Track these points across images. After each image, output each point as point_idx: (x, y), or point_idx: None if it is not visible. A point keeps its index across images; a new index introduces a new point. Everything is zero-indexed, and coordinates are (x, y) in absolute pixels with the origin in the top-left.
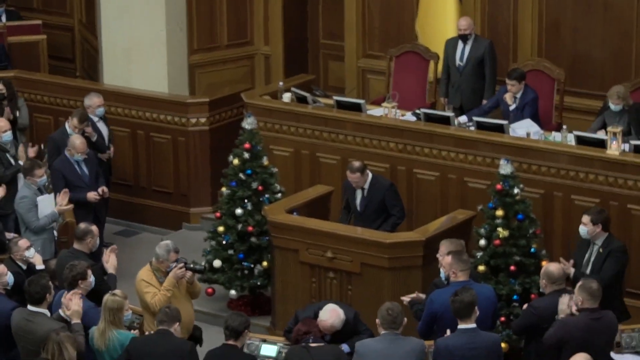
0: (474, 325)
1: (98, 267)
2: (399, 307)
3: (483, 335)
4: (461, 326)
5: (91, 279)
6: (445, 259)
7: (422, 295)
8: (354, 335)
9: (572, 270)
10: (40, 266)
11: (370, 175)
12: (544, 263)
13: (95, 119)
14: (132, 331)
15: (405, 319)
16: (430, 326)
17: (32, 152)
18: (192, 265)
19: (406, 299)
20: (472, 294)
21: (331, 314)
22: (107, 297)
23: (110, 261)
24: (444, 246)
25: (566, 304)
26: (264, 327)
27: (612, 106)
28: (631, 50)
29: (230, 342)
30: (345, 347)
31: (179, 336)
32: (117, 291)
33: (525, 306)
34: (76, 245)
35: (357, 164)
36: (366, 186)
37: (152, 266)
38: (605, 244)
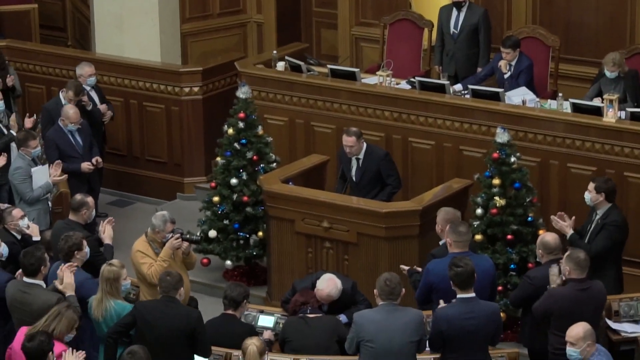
0: (473, 294)
1: (94, 239)
2: (397, 278)
3: (482, 305)
4: (460, 295)
5: (86, 249)
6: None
7: (419, 269)
8: (351, 305)
9: (569, 232)
10: (36, 237)
11: (365, 144)
12: (541, 232)
13: (87, 88)
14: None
15: (404, 290)
16: (427, 295)
17: (29, 122)
18: (188, 236)
19: (405, 267)
20: (470, 265)
21: (328, 283)
22: (104, 267)
23: (106, 232)
24: (439, 215)
25: (556, 275)
26: (260, 298)
27: (608, 73)
28: (626, 16)
29: (229, 311)
30: (343, 318)
31: (183, 301)
32: (114, 261)
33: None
34: (71, 217)
35: (353, 128)
36: (361, 156)
37: (147, 237)
38: (605, 215)
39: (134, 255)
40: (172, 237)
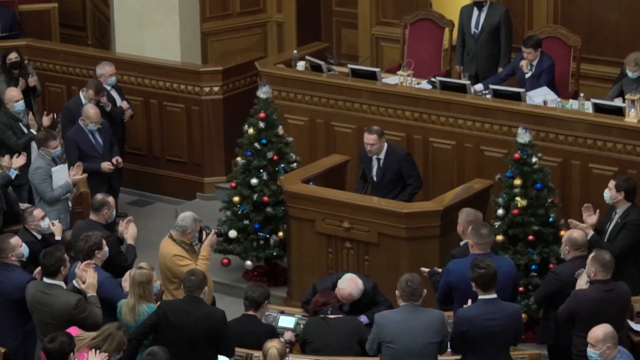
0: (494, 295)
1: (114, 238)
2: (419, 279)
3: (504, 306)
4: (482, 296)
5: (106, 248)
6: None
7: (439, 270)
8: (372, 306)
9: (590, 233)
10: (58, 237)
11: (386, 144)
12: (562, 232)
13: (108, 87)
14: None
15: (425, 290)
16: (447, 295)
17: (46, 120)
18: (217, 231)
19: (425, 269)
20: (492, 266)
21: (349, 283)
22: (134, 271)
23: (130, 232)
24: (461, 216)
25: (584, 280)
26: (280, 298)
27: (630, 73)
28: None
29: (250, 312)
30: (364, 318)
31: (207, 300)
32: (143, 264)
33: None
34: (92, 216)
35: (376, 127)
36: (382, 156)
37: (175, 239)
38: (625, 214)
39: (170, 260)
40: (207, 234)
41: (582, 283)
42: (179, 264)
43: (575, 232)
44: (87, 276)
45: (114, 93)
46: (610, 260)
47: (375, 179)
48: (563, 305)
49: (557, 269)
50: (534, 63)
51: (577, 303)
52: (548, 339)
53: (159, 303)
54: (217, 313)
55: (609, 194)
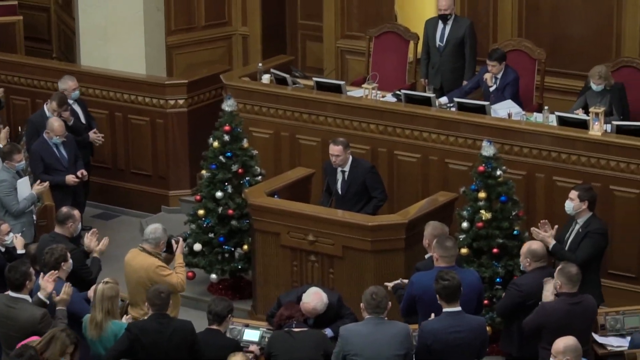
0: (459, 308)
1: (79, 252)
2: (383, 292)
3: (468, 318)
4: (446, 309)
5: (70, 261)
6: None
7: (406, 281)
8: (337, 319)
9: (552, 242)
10: (20, 250)
11: (350, 157)
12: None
13: (71, 101)
14: (124, 319)
15: (390, 303)
16: (411, 307)
17: (3, 134)
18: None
19: (390, 284)
20: (457, 279)
21: (314, 297)
22: (101, 287)
23: (99, 245)
24: (427, 230)
25: (550, 291)
26: (245, 311)
27: (594, 86)
28: (612, 29)
29: (214, 326)
30: (328, 332)
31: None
32: (108, 278)
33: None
34: (57, 229)
35: (341, 138)
36: (347, 168)
37: (149, 251)
38: (586, 224)
39: (154, 272)
40: (177, 242)
41: (547, 294)
42: (163, 274)
43: (534, 244)
44: (63, 291)
45: (76, 107)
46: (576, 273)
47: (340, 191)
48: (529, 317)
49: (518, 280)
50: (499, 76)
51: (544, 315)
52: (512, 351)
53: (127, 326)
54: (187, 325)
55: (572, 204)
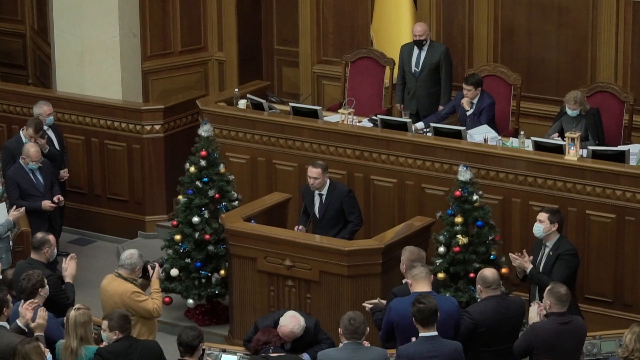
0: (435, 333)
1: (56, 277)
2: (362, 317)
3: (444, 343)
4: (422, 334)
5: (47, 286)
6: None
7: (384, 302)
8: (314, 344)
9: (529, 267)
10: None
11: (328, 180)
12: (503, 270)
13: (45, 127)
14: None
15: (368, 329)
16: (390, 333)
17: None
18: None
19: (368, 305)
20: (433, 302)
21: (291, 320)
22: (73, 313)
23: (69, 270)
24: (404, 255)
25: (536, 312)
26: (222, 336)
27: (569, 111)
28: (587, 54)
29: (186, 358)
30: (306, 357)
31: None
32: (79, 305)
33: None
34: (33, 255)
35: (320, 161)
36: (324, 192)
37: (125, 277)
38: (556, 246)
39: (129, 298)
40: (154, 268)
41: (533, 315)
42: (138, 300)
43: (486, 271)
44: (38, 316)
45: (50, 133)
46: (566, 293)
47: (317, 215)
48: (519, 339)
49: (469, 308)
50: (475, 101)
51: (534, 336)
52: None
53: (96, 350)
54: (154, 344)
55: (542, 227)
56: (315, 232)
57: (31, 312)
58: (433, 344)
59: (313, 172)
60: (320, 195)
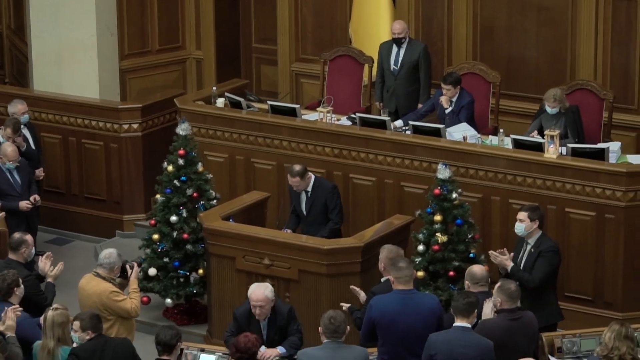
0: (469, 325)
1: (34, 277)
2: (342, 316)
3: (476, 337)
4: (458, 324)
5: (22, 286)
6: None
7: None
8: (287, 331)
9: (510, 264)
10: None
11: (313, 178)
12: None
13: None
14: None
15: (348, 327)
16: (371, 332)
17: None
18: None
19: (345, 305)
20: (477, 297)
21: (258, 287)
22: (51, 313)
23: (54, 271)
24: (382, 253)
25: (490, 308)
26: (200, 336)
27: (549, 109)
28: (566, 52)
29: (164, 357)
30: (281, 349)
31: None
32: (57, 305)
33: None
34: (11, 255)
35: (297, 167)
36: (309, 189)
37: (103, 276)
38: (537, 243)
39: (107, 297)
40: (132, 267)
41: (487, 312)
42: (116, 299)
43: (475, 267)
44: (7, 317)
45: (25, 131)
46: (516, 290)
47: (304, 212)
48: None
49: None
50: (454, 99)
51: (485, 333)
52: None
53: (71, 350)
54: (125, 341)
55: (523, 225)
56: (303, 229)
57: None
58: (466, 335)
59: (292, 181)
60: (306, 192)
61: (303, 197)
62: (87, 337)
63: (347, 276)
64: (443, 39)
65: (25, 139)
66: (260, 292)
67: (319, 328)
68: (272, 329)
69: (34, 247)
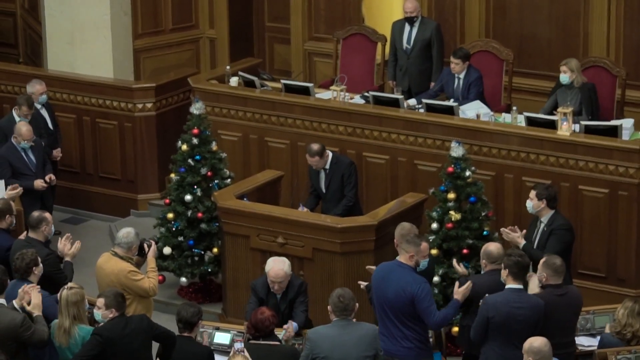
0: (521, 286)
1: (55, 255)
2: (350, 293)
3: (528, 296)
4: (510, 285)
5: (41, 264)
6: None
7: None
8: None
9: (522, 242)
10: None
11: (330, 154)
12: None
13: (39, 106)
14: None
15: (357, 305)
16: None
17: None
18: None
19: (363, 283)
20: (527, 259)
21: (275, 262)
22: (65, 293)
23: (71, 249)
24: (397, 231)
25: (537, 284)
26: (215, 314)
27: (562, 76)
28: (579, 29)
29: (185, 334)
30: (294, 326)
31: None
32: (71, 283)
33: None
34: (31, 234)
35: (315, 147)
36: (327, 166)
37: (121, 256)
38: (550, 221)
39: (125, 277)
40: (147, 247)
41: (533, 287)
42: (135, 278)
43: (491, 245)
44: (32, 296)
45: (44, 112)
46: (561, 265)
47: (323, 190)
48: None
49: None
50: (462, 76)
51: None
52: (464, 346)
53: (94, 330)
54: (144, 318)
55: (532, 203)
56: (323, 208)
57: (29, 296)
58: (519, 296)
59: (311, 160)
60: (325, 169)
61: (322, 175)
62: (111, 315)
63: (360, 254)
64: (455, 17)
65: (43, 120)
66: (279, 268)
67: (328, 307)
68: (284, 302)
69: (52, 225)
